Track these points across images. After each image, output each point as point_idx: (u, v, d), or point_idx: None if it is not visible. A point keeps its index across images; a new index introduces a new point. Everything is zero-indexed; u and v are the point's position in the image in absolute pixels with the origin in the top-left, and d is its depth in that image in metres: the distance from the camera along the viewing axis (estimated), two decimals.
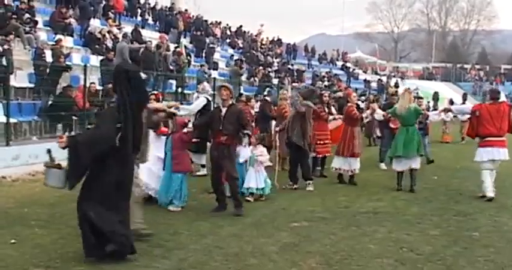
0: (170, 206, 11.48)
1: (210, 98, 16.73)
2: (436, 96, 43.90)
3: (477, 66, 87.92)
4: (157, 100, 13.11)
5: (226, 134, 11.24)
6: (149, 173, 11.65)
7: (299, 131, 14.17)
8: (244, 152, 12.86)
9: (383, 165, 18.48)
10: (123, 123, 7.63)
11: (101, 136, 7.61)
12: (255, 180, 12.85)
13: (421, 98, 20.93)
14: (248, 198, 12.55)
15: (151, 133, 10.67)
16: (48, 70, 19.67)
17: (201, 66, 31.27)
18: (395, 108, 14.58)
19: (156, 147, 11.55)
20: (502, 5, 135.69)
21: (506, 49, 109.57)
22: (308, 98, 14.79)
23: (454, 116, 22.95)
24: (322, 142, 16.02)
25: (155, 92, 15.61)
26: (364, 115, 15.48)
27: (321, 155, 16.35)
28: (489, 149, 13.34)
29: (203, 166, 15.59)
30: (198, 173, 15.62)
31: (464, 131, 28.54)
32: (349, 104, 15.63)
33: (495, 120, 13.31)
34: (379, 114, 15.48)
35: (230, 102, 11.56)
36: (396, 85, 59.25)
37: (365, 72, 70.98)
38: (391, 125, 17.84)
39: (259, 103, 20.06)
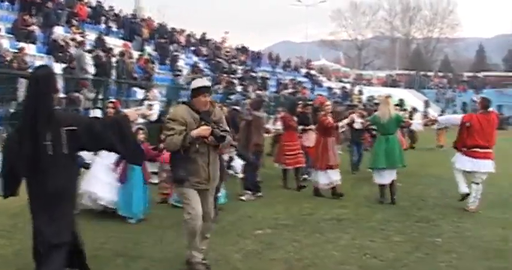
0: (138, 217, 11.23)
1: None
2: (401, 104, 44.20)
3: (440, 74, 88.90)
4: (115, 108, 12.88)
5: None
6: (101, 184, 11.47)
7: (244, 142, 14.20)
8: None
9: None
10: (17, 133, 6.75)
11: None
12: None
13: (399, 106, 20.58)
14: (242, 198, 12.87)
15: None
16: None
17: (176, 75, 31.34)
18: (375, 116, 14.06)
19: (105, 156, 11.36)
20: (465, 13, 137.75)
21: (468, 57, 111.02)
22: (257, 108, 14.86)
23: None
24: (292, 153, 15.44)
25: (113, 100, 15.08)
26: (340, 124, 14.63)
27: (291, 167, 15.61)
28: (474, 161, 12.85)
29: (155, 173, 15.50)
30: (150, 181, 15.39)
31: (441, 138, 28.72)
32: (322, 113, 14.79)
33: (485, 132, 12.83)
34: (358, 123, 15.15)
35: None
36: (360, 92, 59.74)
37: (329, 79, 71.24)
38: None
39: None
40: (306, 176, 16.23)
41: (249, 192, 14.05)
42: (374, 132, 16.22)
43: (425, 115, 20.85)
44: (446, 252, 9.41)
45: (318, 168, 14.41)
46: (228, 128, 8.28)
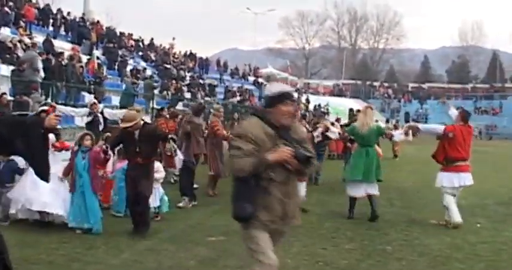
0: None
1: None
2: (351, 114, 44.58)
3: (386, 84, 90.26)
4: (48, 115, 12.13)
5: (144, 156, 10.65)
6: (45, 192, 10.67)
7: (184, 148, 14.28)
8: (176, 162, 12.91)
9: None
10: None
11: None
12: (154, 197, 11.86)
13: (325, 114, 20.25)
14: (156, 219, 11.95)
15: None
16: None
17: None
18: (354, 126, 13.17)
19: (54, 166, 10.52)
20: (410, 24, 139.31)
21: (413, 68, 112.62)
22: (197, 113, 14.99)
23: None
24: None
25: (45, 107, 14.15)
26: (315, 134, 14.17)
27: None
28: (460, 175, 12.35)
29: None
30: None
31: (397, 148, 28.73)
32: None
33: (466, 144, 12.41)
34: (334, 133, 14.47)
35: (141, 123, 10.83)
36: (308, 101, 60.18)
37: None
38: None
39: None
40: None
41: (186, 198, 13.90)
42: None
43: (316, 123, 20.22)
44: (397, 260, 9.54)
45: None
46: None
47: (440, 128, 12.79)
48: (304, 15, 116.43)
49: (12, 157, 10.78)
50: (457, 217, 12.19)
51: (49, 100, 22.79)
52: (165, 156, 16.87)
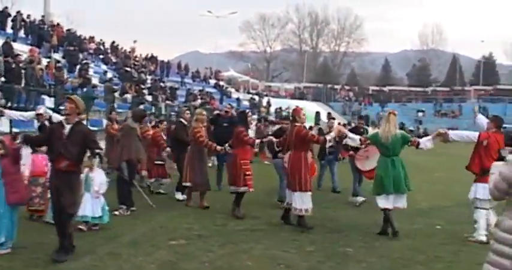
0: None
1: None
2: (317, 117, 44.82)
3: (347, 87, 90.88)
4: None
5: (69, 158, 9.16)
6: None
7: (119, 154, 13.89)
8: (100, 177, 11.64)
9: (359, 198, 15.80)
10: None
11: None
12: (91, 207, 11.29)
13: (333, 118, 19.50)
14: (81, 227, 11.08)
15: None
16: None
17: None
18: (376, 134, 12.19)
19: None
20: (371, 28, 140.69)
21: (374, 71, 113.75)
22: (138, 119, 14.42)
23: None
24: (250, 173, 13.61)
25: None
26: (328, 137, 12.64)
27: (251, 189, 13.63)
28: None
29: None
30: None
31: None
32: (297, 124, 12.56)
33: (497, 152, 11.35)
34: (354, 139, 12.61)
35: (76, 119, 9.45)
36: (269, 104, 60.29)
37: (237, 90, 71.64)
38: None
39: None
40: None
41: (124, 206, 13.39)
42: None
43: (330, 127, 18.71)
44: (357, 262, 9.61)
45: (292, 188, 12.33)
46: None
47: (473, 135, 11.68)
48: (265, 18, 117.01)
49: None
50: (482, 234, 11.35)
51: (9, 104, 22.62)
52: (154, 166, 16.85)
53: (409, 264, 9.59)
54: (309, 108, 54.50)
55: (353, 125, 23.77)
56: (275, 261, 9.47)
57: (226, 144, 14.18)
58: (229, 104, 22.98)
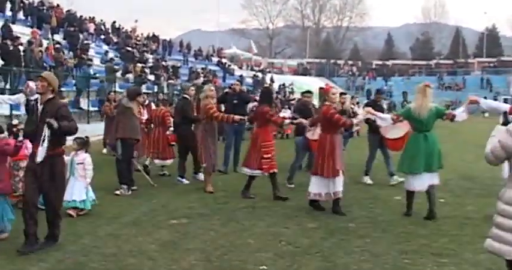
0: None
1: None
2: (321, 92, 44.48)
3: (350, 62, 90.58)
4: None
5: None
6: None
7: (112, 132, 13.80)
8: (85, 160, 11.16)
9: (368, 179, 15.22)
10: None
11: None
12: (78, 191, 10.84)
13: (345, 93, 17.53)
14: (70, 213, 10.64)
15: None
16: None
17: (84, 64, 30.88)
18: (410, 109, 11.31)
19: None
20: (373, 2, 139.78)
21: (377, 45, 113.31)
22: (132, 97, 13.75)
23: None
24: (270, 155, 12.73)
25: None
26: (355, 121, 12.05)
27: (267, 172, 12.76)
28: None
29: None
30: None
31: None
32: (326, 103, 11.74)
33: None
34: (385, 119, 11.84)
35: (49, 96, 8.63)
36: (272, 80, 60.14)
37: (240, 68, 71.47)
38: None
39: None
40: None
41: (125, 186, 13.20)
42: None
43: (342, 103, 17.66)
44: (360, 237, 9.53)
45: (320, 173, 11.47)
46: None
47: (505, 106, 10.45)
48: None
49: None
50: None
51: (8, 86, 22.54)
52: (165, 146, 16.10)
53: (412, 238, 9.51)
54: (313, 84, 54.41)
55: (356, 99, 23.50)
56: (277, 238, 9.40)
57: (246, 118, 14.04)
58: (238, 80, 22.33)
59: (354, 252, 8.67)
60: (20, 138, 10.75)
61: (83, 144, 11.31)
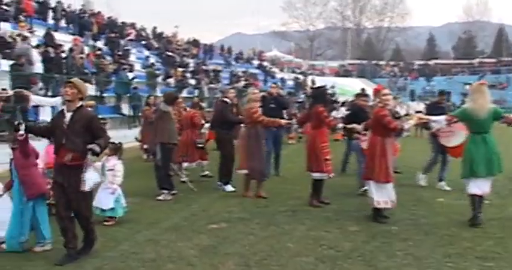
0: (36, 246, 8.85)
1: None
2: (363, 93, 44.25)
3: (391, 63, 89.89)
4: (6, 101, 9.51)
5: (72, 149, 8.09)
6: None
7: (153, 138, 13.56)
8: (116, 167, 10.88)
9: (423, 180, 14.90)
10: None
11: None
12: (102, 199, 10.55)
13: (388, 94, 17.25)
14: (106, 223, 10.45)
15: None
16: None
17: (124, 69, 31.02)
18: (466, 109, 10.65)
19: None
20: (414, 2, 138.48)
21: (419, 45, 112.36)
22: (170, 102, 13.67)
23: None
24: (328, 157, 12.22)
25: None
26: (406, 126, 11.43)
27: (332, 174, 12.44)
28: None
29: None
30: None
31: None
32: (379, 105, 11.21)
33: None
34: (439, 121, 11.50)
35: (78, 104, 8.33)
36: (313, 83, 59.95)
37: (282, 70, 71.40)
38: None
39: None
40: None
41: (166, 191, 13.16)
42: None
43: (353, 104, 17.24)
44: (403, 240, 9.39)
45: (377, 179, 10.87)
46: None
47: None
48: None
49: None
50: None
51: (49, 93, 22.73)
52: (193, 149, 15.94)
53: (456, 241, 9.34)
54: (354, 85, 54.17)
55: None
56: (317, 242, 9.30)
57: (294, 120, 13.79)
58: (275, 83, 21.78)
59: (396, 255, 8.54)
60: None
61: (115, 150, 11.07)
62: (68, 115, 8.22)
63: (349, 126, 12.71)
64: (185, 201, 12.79)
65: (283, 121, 13.70)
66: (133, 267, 8.00)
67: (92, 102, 15.18)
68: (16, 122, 8.52)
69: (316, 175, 12.23)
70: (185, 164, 15.89)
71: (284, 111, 17.32)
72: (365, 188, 11.90)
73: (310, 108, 12.75)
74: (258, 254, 8.59)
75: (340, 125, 12.96)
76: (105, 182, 10.36)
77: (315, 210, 11.62)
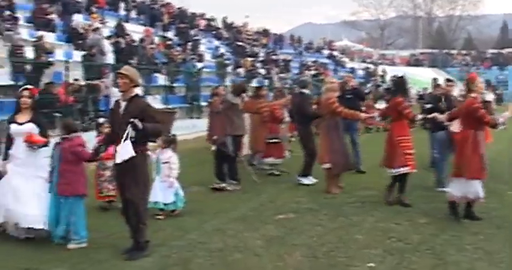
0: (70, 243, 8.65)
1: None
2: (435, 83, 43.72)
3: (463, 52, 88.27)
4: (31, 97, 9.08)
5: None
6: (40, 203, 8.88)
7: (221, 130, 13.20)
8: (171, 159, 10.65)
9: None
10: None
11: None
12: (162, 193, 10.38)
13: (451, 80, 15.33)
14: (159, 217, 10.25)
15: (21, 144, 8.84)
16: (28, 67, 19.47)
17: (191, 59, 31.19)
18: None
19: (34, 164, 9.07)
20: None
21: (491, 34, 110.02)
22: (237, 93, 13.47)
23: None
24: (409, 151, 11.32)
25: (29, 86, 11.03)
26: (501, 120, 10.20)
27: (414, 170, 11.43)
28: None
29: None
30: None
31: None
32: (472, 95, 10.19)
33: None
34: None
35: (132, 93, 8.23)
36: (384, 72, 59.39)
37: (352, 60, 70.89)
38: None
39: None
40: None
41: (235, 182, 13.06)
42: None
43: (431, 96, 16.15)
44: (473, 234, 9.21)
45: (462, 175, 10.05)
46: None
47: None
48: None
49: None
50: None
51: None
52: (268, 145, 15.32)
53: None
54: (425, 74, 53.42)
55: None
56: (386, 234, 9.21)
57: (375, 114, 12.82)
58: (350, 74, 20.77)
59: (466, 249, 8.39)
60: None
61: (169, 142, 10.81)
62: (123, 104, 8.17)
63: (430, 116, 11.90)
64: (253, 191, 12.80)
65: (363, 114, 13.13)
66: (200, 256, 8.05)
67: None
68: (97, 147, 8.66)
69: (392, 171, 11.40)
70: (269, 159, 15.29)
71: (361, 103, 16.54)
72: (445, 188, 10.95)
73: (390, 99, 12.18)
74: (325, 245, 8.55)
75: (420, 116, 12.03)
76: (161, 176, 10.46)
77: (383, 202, 11.41)
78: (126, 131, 7.82)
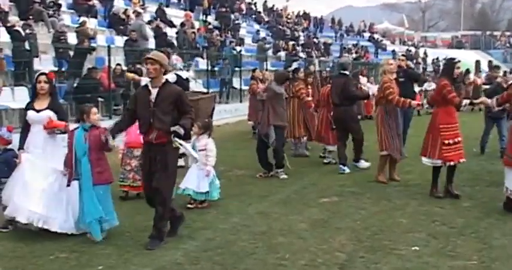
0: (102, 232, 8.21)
1: (183, 75, 13.61)
2: (477, 66, 43.40)
3: (507, 33, 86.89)
4: (49, 82, 8.66)
5: (159, 128, 7.72)
6: (51, 198, 8.40)
7: (264, 119, 12.73)
8: (208, 146, 10.19)
9: None
10: None
11: None
12: (197, 181, 9.93)
13: (498, 67, 15.36)
14: (189, 206, 9.84)
15: (42, 131, 8.50)
16: (71, 53, 19.67)
17: (230, 43, 31.22)
18: None
19: (51, 154, 8.62)
20: None
21: None
22: (281, 81, 12.94)
23: None
24: (451, 141, 10.34)
25: (46, 71, 10.45)
26: None
27: (451, 162, 10.45)
28: None
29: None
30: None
31: None
32: None
33: None
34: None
35: (163, 80, 7.89)
36: (426, 55, 58.86)
37: (393, 43, 70.38)
38: None
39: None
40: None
41: (280, 170, 12.69)
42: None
43: (495, 77, 15.48)
44: None
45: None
46: None
47: None
48: None
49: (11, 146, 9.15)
50: None
51: None
52: (313, 130, 15.23)
53: None
54: (468, 57, 52.82)
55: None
56: (430, 217, 9.16)
57: (425, 101, 12.06)
58: (403, 55, 19.90)
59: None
60: None
61: (205, 127, 10.34)
62: (154, 92, 7.77)
63: (476, 101, 11.49)
64: (296, 175, 12.80)
65: (414, 102, 11.90)
66: (244, 239, 8.08)
67: (132, 75, 14.65)
68: (105, 138, 7.92)
69: (426, 160, 10.71)
70: (329, 147, 14.65)
71: (415, 85, 15.78)
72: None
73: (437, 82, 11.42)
74: (369, 229, 8.54)
75: (465, 101, 10.46)
76: (198, 163, 10.00)
77: (426, 186, 11.13)
78: (173, 140, 7.63)
